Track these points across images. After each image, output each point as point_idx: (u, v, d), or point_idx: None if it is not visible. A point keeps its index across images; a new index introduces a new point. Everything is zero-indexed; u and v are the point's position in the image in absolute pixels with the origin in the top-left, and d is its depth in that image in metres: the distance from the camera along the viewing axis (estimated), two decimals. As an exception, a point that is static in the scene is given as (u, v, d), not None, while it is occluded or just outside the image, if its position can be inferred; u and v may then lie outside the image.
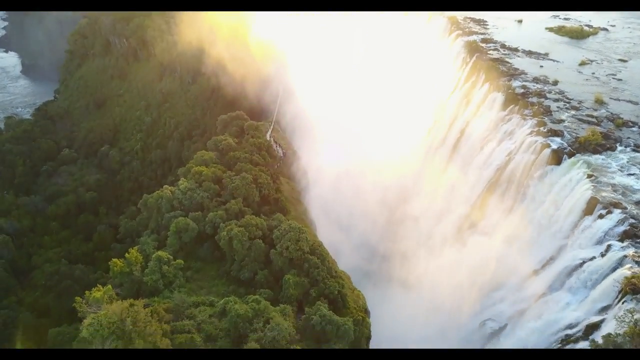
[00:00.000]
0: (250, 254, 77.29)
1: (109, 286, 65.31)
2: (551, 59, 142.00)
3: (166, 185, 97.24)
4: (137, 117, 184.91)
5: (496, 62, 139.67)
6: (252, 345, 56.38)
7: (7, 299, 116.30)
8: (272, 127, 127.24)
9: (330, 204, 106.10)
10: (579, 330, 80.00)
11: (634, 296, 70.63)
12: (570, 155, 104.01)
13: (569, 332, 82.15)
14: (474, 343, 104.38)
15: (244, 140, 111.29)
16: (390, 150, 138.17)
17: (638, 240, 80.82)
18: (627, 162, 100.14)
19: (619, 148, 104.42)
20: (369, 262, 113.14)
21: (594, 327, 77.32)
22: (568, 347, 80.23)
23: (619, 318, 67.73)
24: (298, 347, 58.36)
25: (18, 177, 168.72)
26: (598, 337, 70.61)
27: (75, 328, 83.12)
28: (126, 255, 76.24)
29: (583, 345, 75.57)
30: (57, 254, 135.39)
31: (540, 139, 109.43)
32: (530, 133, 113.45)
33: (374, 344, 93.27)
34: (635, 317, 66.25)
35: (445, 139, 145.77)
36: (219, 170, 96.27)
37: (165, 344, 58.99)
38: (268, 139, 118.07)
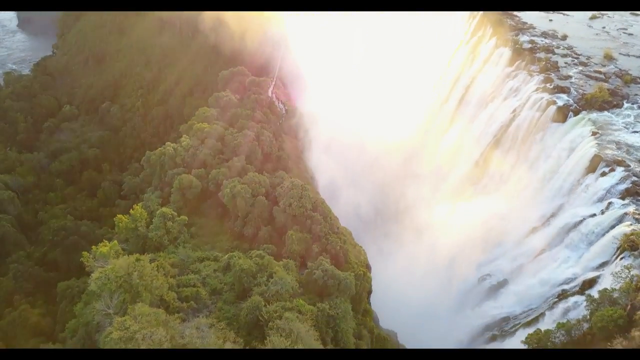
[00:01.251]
0: (254, 210, 78.14)
1: (115, 242, 66.41)
2: (561, 13, 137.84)
3: (168, 142, 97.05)
4: (137, 73, 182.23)
5: (504, 16, 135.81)
6: (255, 298, 57.75)
7: (17, 254, 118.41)
8: (273, 83, 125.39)
9: (333, 161, 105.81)
10: (576, 286, 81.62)
11: (632, 252, 71.50)
12: (576, 112, 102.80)
13: (566, 287, 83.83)
14: (473, 297, 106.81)
15: (246, 96, 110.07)
16: (394, 107, 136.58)
17: (639, 198, 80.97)
18: (634, 119, 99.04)
19: (626, 105, 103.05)
20: (371, 218, 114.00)
21: (591, 282, 78.77)
22: (564, 302, 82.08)
23: (616, 274, 68.71)
24: (301, 301, 59.91)
25: (20, 134, 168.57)
26: (594, 292, 71.89)
27: (83, 282, 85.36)
28: (131, 211, 77.07)
29: (578, 300, 77.13)
30: (62, 210, 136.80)
31: (546, 96, 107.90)
32: (536, 90, 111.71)
33: (374, 297, 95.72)
34: (632, 273, 67.19)
35: (449, 96, 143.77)
36: (221, 127, 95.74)
37: (171, 297, 60.62)
38: (270, 95, 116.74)
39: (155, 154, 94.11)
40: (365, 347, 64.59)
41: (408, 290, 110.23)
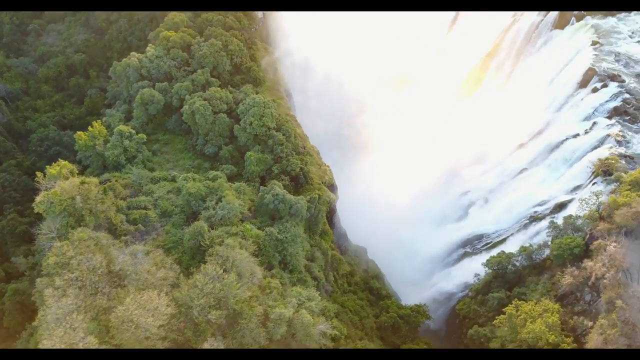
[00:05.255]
0: (215, 128, 75.32)
1: (66, 162, 65.36)
2: None
3: (133, 53, 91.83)
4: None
5: None
6: (198, 224, 56.63)
7: (6, 162, 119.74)
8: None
9: (312, 70, 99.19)
10: (547, 209, 79.36)
11: (604, 178, 67.84)
12: (579, 18, 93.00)
13: (538, 209, 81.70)
14: (453, 212, 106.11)
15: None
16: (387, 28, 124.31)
17: (627, 118, 75.43)
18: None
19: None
20: (352, 130, 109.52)
21: (562, 206, 76.35)
22: (534, 224, 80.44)
23: (584, 200, 65.91)
24: (248, 225, 59.29)
25: (6, 36, 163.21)
26: (563, 217, 69.74)
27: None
28: (89, 128, 75.32)
29: (544, 224, 75.20)
30: (50, 118, 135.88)
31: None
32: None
33: (350, 215, 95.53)
34: (600, 199, 64.23)
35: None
36: (188, 35, 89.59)
37: (119, 220, 60.73)
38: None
39: (121, 65, 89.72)
40: (317, 268, 65.27)
41: (391, 202, 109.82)
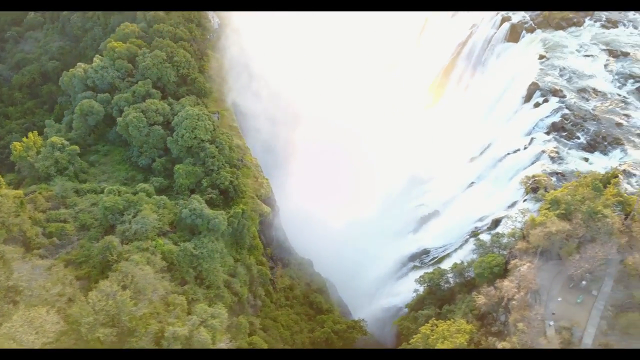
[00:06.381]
0: (149, 140, 75.08)
1: (-10, 174, 65.48)
2: None
3: (80, 63, 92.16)
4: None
5: None
6: (108, 238, 55.95)
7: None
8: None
9: (261, 80, 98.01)
10: (486, 225, 78.36)
11: (533, 195, 66.86)
12: (530, 31, 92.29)
13: (479, 224, 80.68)
14: (408, 224, 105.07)
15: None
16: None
17: (563, 134, 74.44)
18: (590, 40, 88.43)
19: (587, 23, 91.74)
20: (304, 142, 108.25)
21: (497, 222, 75.30)
22: (473, 239, 79.26)
23: (511, 218, 65.03)
24: (160, 241, 58.76)
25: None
26: (492, 233, 68.83)
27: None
28: (24, 139, 75.49)
29: (484, 238, 74.09)
30: (20, 125, 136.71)
31: (502, 12, 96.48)
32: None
33: (297, 229, 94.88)
34: (526, 217, 63.18)
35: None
36: (135, 46, 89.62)
37: (34, 232, 60.52)
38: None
39: (68, 75, 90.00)
40: (239, 284, 64.52)
41: (347, 215, 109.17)
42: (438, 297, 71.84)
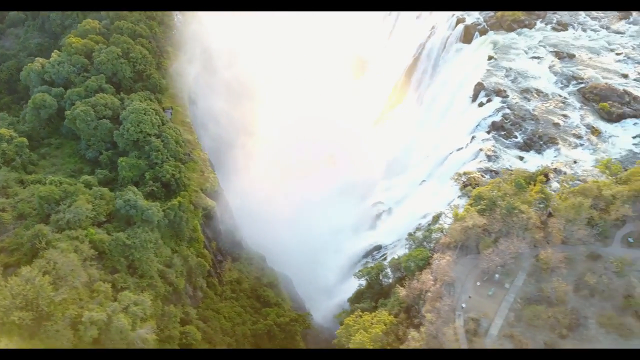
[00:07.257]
0: (97, 133, 76.53)
1: None
2: None
3: (38, 58, 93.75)
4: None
5: None
6: (37, 227, 57.13)
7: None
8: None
9: (218, 76, 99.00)
10: (428, 221, 79.54)
11: (464, 193, 68.18)
12: (483, 32, 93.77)
13: (422, 221, 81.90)
14: (365, 221, 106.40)
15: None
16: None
17: (502, 133, 75.80)
18: (539, 42, 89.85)
19: (538, 25, 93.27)
20: (261, 138, 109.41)
21: (438, 218, 76.44)
22: (417, 234, 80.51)
23: (443, 214, 66.32)
24: (92, 230, 60.00)
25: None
26: (425, 229, 70.11)
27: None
28: (-28, 131, 76.84)
29: (419, 235, 75.37)
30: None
31: (458, 13, 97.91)
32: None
33: (253, 223, 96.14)
34: (458, 211, 64.30)
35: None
36: (92, 42, 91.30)
37: (-31, 221, 61.93)
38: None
39: (26, 69, 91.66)
40: (174, 274, 65.85)
41: (305, 211, 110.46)
42: (376, 291, 73.04)
